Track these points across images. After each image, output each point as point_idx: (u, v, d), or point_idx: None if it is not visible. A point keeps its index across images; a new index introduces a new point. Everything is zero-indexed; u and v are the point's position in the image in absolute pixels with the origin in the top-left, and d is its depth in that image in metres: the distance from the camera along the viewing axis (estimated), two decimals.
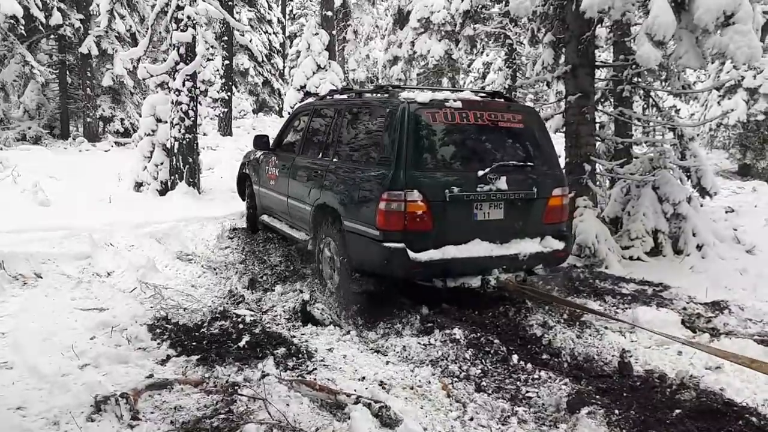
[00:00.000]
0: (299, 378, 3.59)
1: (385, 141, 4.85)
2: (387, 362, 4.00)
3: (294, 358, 3.96)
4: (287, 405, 3.20)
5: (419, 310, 4.81)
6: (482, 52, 23.10)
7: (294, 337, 4.37)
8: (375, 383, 3.64)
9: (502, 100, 5.43)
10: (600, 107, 8.92)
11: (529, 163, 5.10)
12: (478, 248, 4.76)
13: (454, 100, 4.98)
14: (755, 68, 15.66)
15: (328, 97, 6.60)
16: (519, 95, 23.16)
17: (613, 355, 4.25)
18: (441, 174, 4.75)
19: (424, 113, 4.81)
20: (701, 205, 8.22)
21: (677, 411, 3.37)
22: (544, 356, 4.21)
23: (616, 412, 3.39)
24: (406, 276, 4.73)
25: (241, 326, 4.47)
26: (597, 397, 3.58)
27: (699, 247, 7.29)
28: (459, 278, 4.77)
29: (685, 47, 6.53)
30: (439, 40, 21.03)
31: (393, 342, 4.32)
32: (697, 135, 16.69)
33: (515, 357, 4.07)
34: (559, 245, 5.11)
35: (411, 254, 4.53)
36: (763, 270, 6.60)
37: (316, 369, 3.80)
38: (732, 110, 16.49)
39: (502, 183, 4.83)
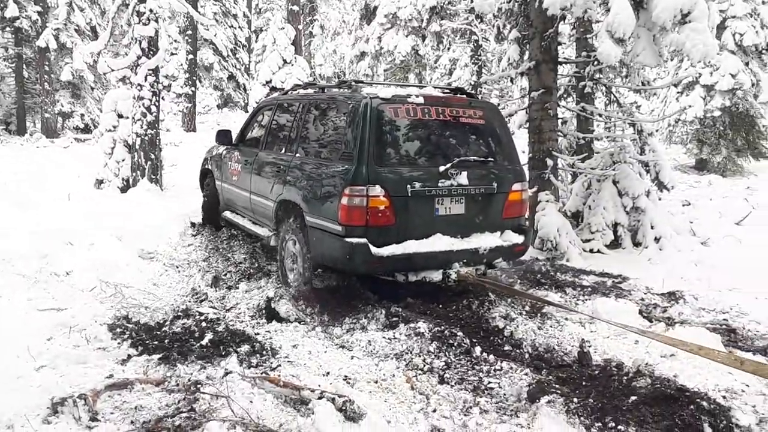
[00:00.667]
0: (263, 375, 3.58)
1: (347, 136, 4.86)
2: (352, 357, 4.03)
3: (258, 355, 3.93)
4: (251, 402, 3.19)
5: (384, 304, 4.83)
6: (449, 48, 23.35)
7: (258, 334, 4.34)
8: (340, 378, 3.66)
9: (464, 96, 5.47)
10: (563, 103, 9.14)
11: (489, 159, 5.18)
12: (439, 242, 4.80)
13: (417, 96, 5.01)
14: (712, 65, 16.06)
15: (291, 91, 6.57)
16: (484, 91, 23.45)
17: (572, 346, 4.35)
18: (403, 169, 4.77)
19: (387, 108, 4.82)
20: (659, 199, 8.51)
21: (633, 398, 3.49)
22: (506, 348, 4.29)
23: (575, 400, 3.48)
24: (368, 271, 4.77)
25: (204, 324, 4.41)
26: (557, 386, 3.67)
27: (657, 240, 7.53)
28: (420, 272, 4.81)
29: (643, 45, 6.68)
30: (406, 36, 21.35)
31: (358, 337, 4.35)
32: (657, 131, 17.03)
33: (478, 349, 4.13)
34: (518, 239, 5.21)
35: (373, 249, 4.55)
36: (716, 261, 6.83)
37: (280, 365, 3.79)
38: (690, 106, 16.86)
39: (462, 178, 4.89)
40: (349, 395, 3.26)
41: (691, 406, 3.36)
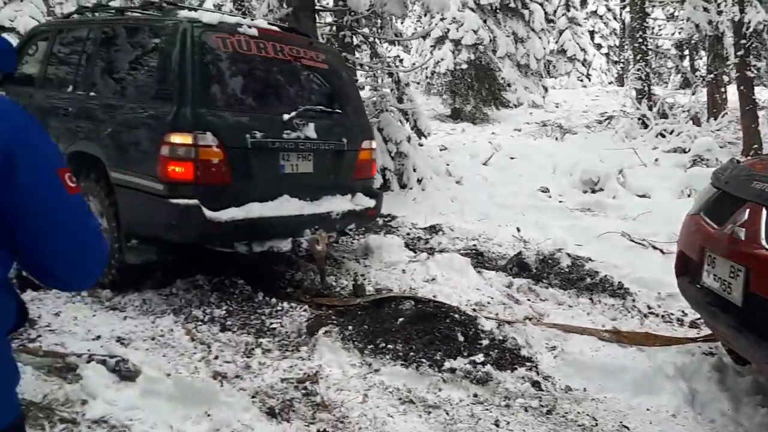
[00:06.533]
0: (19, 347, 3.16)
1: (163, 71, 3.98)
2: (125, 318, 3.80)
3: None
4: None
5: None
6: None
7: None
8: (112, 340, 3.45)
9: (302, 35, 4.86)
10: None
11: (337, 110, 4.55)
12: (287, 206, 4.18)
13: (249, 27, 4.24)
14: (457, 21, 17.59)
15: (75, 16, 5.42)
16: None
17: (348, 280, 4.73)
18: (238, 115, 4.00)
19: (213, 38, 4.01)
20: (421, 145, 9.36)
21: (401, 319, 3.88)
22: (288, 289, 4.56)
23: (350, 328, 3.83)
24: (202, 240, 4.01)
25: None
26: (334, 318, 3.99)
27: (419, 181, 8.30)
28: (267, 241, 4.15)
29: None
30: None
31: (131, 297, 4.09)
32: (417, 83, 20.37)
33: (260, 294, 4.26)
34: (370, 203, 4.72)
35: (207, 213, 3.76)
36: (467, 197, 8.09)
37: (40, 336, 3.41)
38: (442, 59, 18.31)
39: (310, 130, 4.27)
40: (123, 355, 3.10)
41: (447, 320, 3.85)
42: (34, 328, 3.50)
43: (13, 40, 6.87)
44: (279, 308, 4.12)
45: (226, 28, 4.14)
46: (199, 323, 3.81)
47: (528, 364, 3.51)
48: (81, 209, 1.23)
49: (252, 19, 4.85)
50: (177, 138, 3.71)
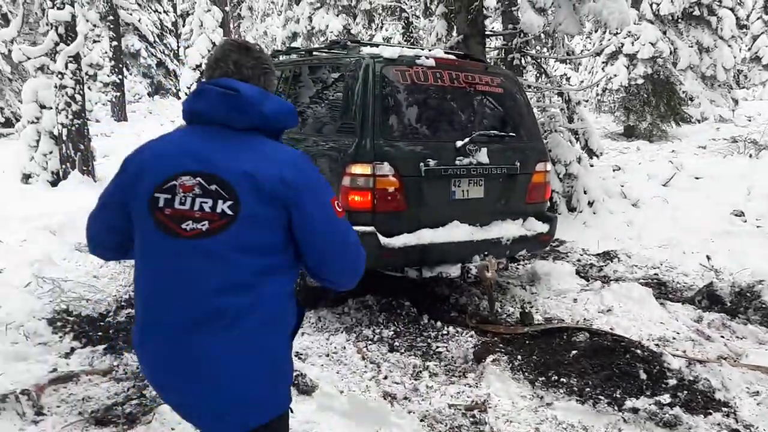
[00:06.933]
0: None
1: (346, 105, 4.22)
2: (302, 333, 4.04)
3: None
4: None
5: None
6: (381, 27, 21.18)
7: None
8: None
9: (478, 61, 4.80)
10: None
11: (511, 133, 4.41)
12: (457, 232, 4.20)
13: (426, 58, 4.35)
14: (632, 35, 16.37)
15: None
16: None
17: (514, 307, 4.64)
18: (414, 144, 4.17)
19: (393, 71, 4.19)
20: (591, 165, 8.71)
21: (574, 352, 3.73)
22: (453, 313, 4.57)
23: (519, 357, 3.76)
24: (376, 266, 4.05)
25: None
26: (501, 345, 3.94)
27: (590, 204, 7.79)
28: (436, 267, 4.22)
29: (563, 14, 7.03)
30: (337, 15, 20.21)
31: (308, 314, 4.35)
32: (586, 101, 19.14)
33: (425, 317, 4.36)
34: (543, 228, 4.48)
35: (382, 240, 3.92)
36: (646, 221, 7.42)
37: None
38: (615, 75, 17.04)
39: (482, 155, 4.32)
40: (300, 370, 3.24)
41: (627, 355, 3.63)
42: None
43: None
44: (444, 332, 4.19)
45: (405, 61, 4.33)
46: (369, 342, 3.99)
47: (725, 409, 3.17)
48: (346, 228, 1.66)
49: (430, 50, 4.96)
50: (357, 169, 3.97)
